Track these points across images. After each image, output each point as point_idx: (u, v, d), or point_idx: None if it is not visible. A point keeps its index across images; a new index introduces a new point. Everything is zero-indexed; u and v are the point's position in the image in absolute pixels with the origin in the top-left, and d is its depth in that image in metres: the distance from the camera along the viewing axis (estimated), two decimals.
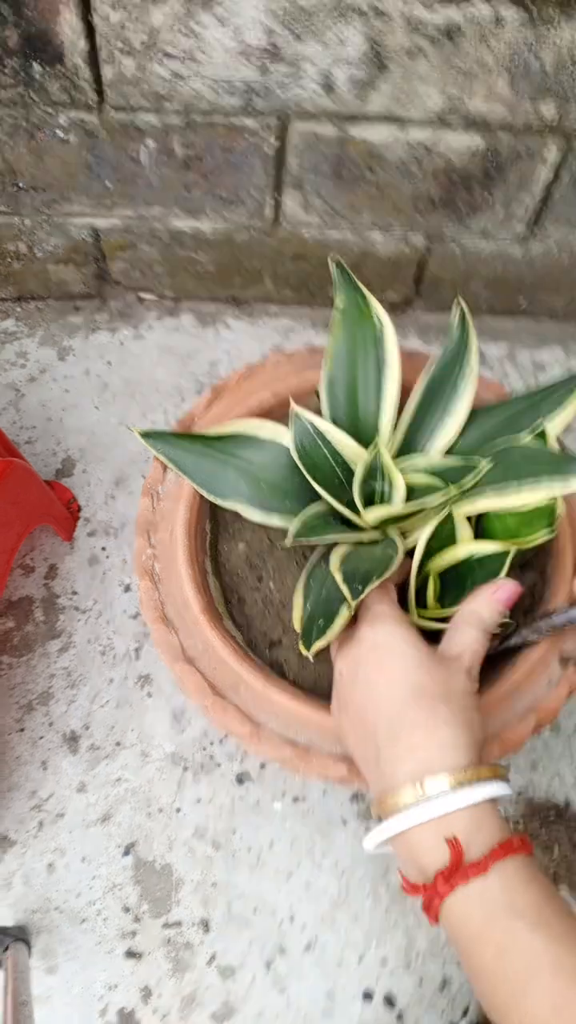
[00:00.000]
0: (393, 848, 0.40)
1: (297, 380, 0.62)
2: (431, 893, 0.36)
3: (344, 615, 0.44)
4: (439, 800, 0.36)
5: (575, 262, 0.89)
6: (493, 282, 0.92)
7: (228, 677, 0.51)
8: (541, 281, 0.92)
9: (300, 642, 0.45)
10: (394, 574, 0.48)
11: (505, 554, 0.47)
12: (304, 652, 0.44)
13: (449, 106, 0.70)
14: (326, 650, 0.55)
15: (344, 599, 0.44)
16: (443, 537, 0.49)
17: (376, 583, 0.44)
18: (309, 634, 0.45)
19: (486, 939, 0.34)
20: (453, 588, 0.49)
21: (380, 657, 0.43)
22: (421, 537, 0.48)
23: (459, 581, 0.49)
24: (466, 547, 0.48)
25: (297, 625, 0.48)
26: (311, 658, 0.50)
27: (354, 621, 0.48)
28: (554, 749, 0.73)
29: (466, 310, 0.55)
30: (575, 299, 0.95)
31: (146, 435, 0.55)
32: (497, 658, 0.55)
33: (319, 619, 0.45)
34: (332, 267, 0.56)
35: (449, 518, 0.48)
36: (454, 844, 0.36)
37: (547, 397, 0.52)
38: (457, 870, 0.35)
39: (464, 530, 0.49)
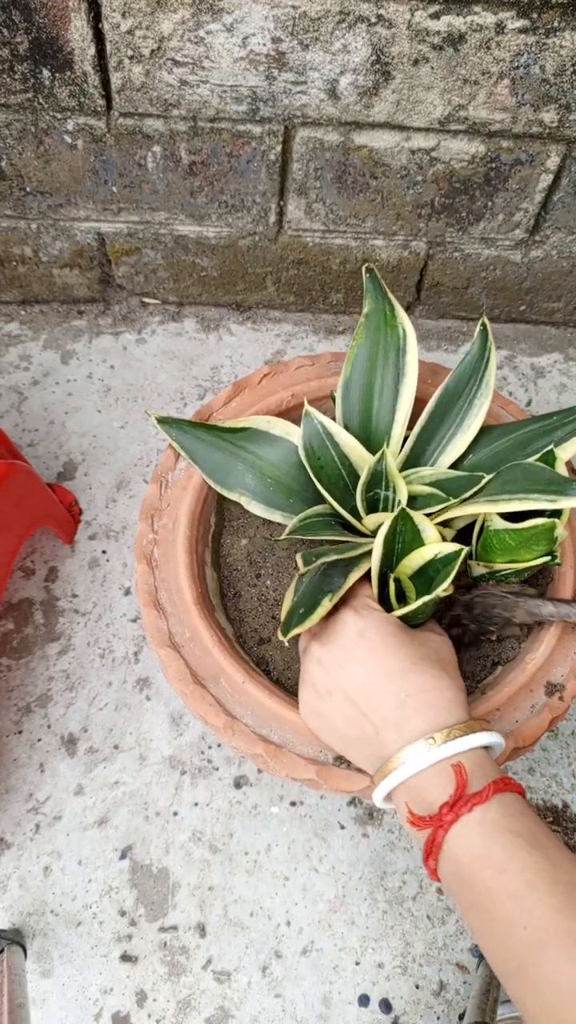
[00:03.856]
0: (394, 800, 0.43)
1: (318, 384, 0.62)
2: (437, 823, 0.39)
3: (326, 605, 0.44)
4: (449, 745, 0.40)
5: (575, 268, 0.90)
6: (493, 288, 0.93)
7: (210, 668, 0.51)
8: (541, 287, 0.92)
9: (279, 630, 0.45)
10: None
11: (458, 553, 0.47)
12: (281, 637, 0.45)
13: (451, 113, 0.71)
14: None
15: (328, 591, 0.45)
16: (407, 537, 0.49)
17: (332, 557, 0.45)
18: (289, 622, 0.45)
19: (486, 860, 0.37)
20: (423, 591, 0.49)
21: (371, 639, 0.45)
22: (379, 535, 0.48)
23: (427, 585, 0.49)
24: (432, 548, 0.48)
25: (283, 616, 0.48)
26: (286, 642, 0.51)
27: (332, 611, 0.48)
28: (552, 753, 0.73)
29: (488, 327, 0.55)
30: (574, 305, 0.96)
31: (162, 420, 0.57)
32: (482, 675, 0.55)
33: (301, 608, 0.46)
34: (364, 274, 0.56)
35: (404, 516, 0.48)
36: (459, 771, 0.39)
37: (563, 422, 0.52)
38: (460, 798, 0.39)
39: (429, 531, 0.49)
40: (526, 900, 0.35)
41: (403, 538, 0.49)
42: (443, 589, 0.46)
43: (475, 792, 0.39)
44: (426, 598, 0.46)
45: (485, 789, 0.39)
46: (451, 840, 0.39)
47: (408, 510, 0.48)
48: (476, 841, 0.38)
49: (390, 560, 0.49)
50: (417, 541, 0.49)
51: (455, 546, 0.47)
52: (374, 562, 0.47)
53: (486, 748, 0.42)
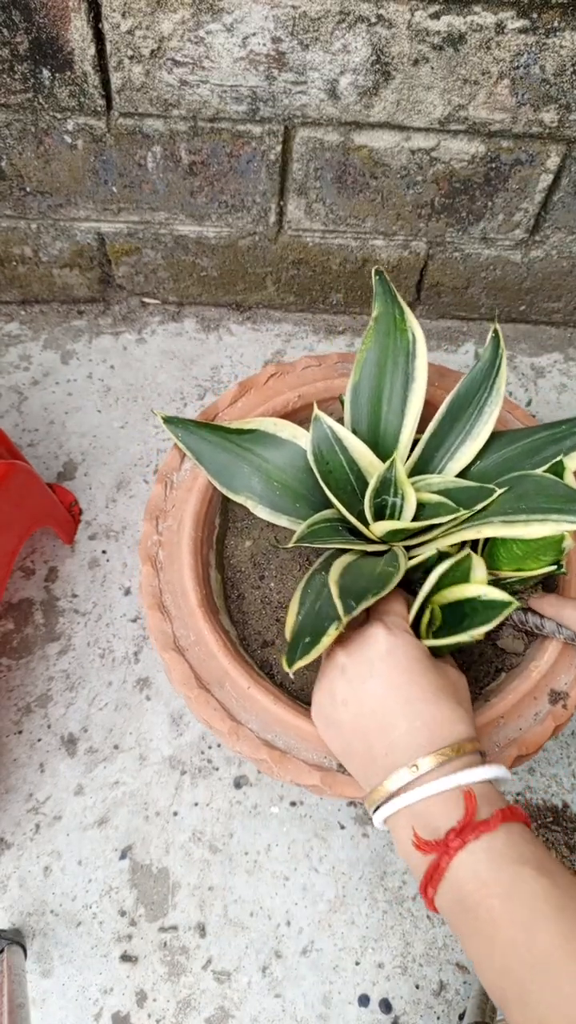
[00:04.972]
0: (395, 824, 0.42)
1: (325, 385, 0.62)
2: (442, 850, 0.39)
3: (331, 634, 0.43)
4: (463, 773, 0.40)
5: (575, 268, 0.90)
6: (493, 288, 0.93)
7: (215, 672, 0.51)
8: (541, 287, 0.92)
9: (284, 657, 0.45)
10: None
11: (507, 604, 0.46)
12: (286, 668, 0.44)
13: (451, 113, 0.71)
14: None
15: (334, 617, 0.44)
16: (457, 573, 0.49)
17: (370, 601, 0.44)
18: (294, 650, 0.45)
19: (493, 887, 0.37)
20: (450, 624, 0.49)
21: (398, 660, 0.45)
22: (434, 573, 0.47)
23: (459, 619, 0.48)
24: (476, 588, 0.48)
25: (288, 634, 0.48)
26: (291, 675, 0.50)
27: (365, 619, 0.48)
28: (552, 753, 0.73)
29: (500, 334, 0.55)
30: (574, 305, 0.96)
31: (168, 420, 0.56)
32: (486, 681, 0.55)
33: (306, 636, 0.45)
34: (373, 277, 0.56)
35: (468, 558, 0.48)
36: (469, 797, 0.39)
37: (572, 431, 0.52)
38: (468, 824, 0.38)
39: (480, 572, 0.48)
40: (532, 925, 0.35)
41: (453, 574, 0.49)
42: (480, 633, 0.46)
43: (483, 820, 0.39)
44: (462, 637, 0.46)
45: (493, 818, 0.39)
46: (456, 867, 0.38)
47: (472, 553, 0.48)
48: (483, 868, 0.37)
49: (431, 591, 0.49)
50: (464, 578, 0.49)
51: (502, 594, 0.46)
52: (423, 593, 0.47)
53: (491, 781, 0.42)
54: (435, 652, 0.49)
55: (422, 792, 0.40)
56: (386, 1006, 0.62)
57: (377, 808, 0.43)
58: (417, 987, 0.63)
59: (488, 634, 0.56)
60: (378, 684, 0.44)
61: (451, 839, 0.38)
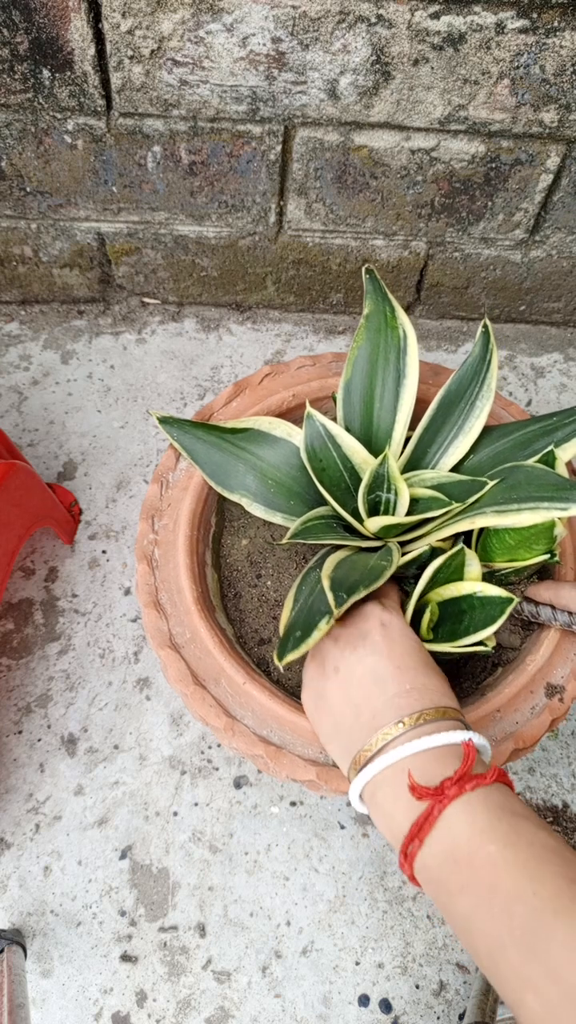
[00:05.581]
0: (375, 785, 0.41)
1: (319, 384, 0.62)
2: (438, 796, 0.38)
3: (322, 629, 0.43)
4: (454, 733, 0.40)
5: (575, 268, 0.90)
6: (493, 288, 0.93)
7: (211, 668, 0.51)
8: (541, 287, 0.92)
9: (275, 652, 0.45)
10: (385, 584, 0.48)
11: (508, 600, 0.47)
12: (276, 662, 0.44)
13: (451, 113, 0.71)
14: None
15: (326, 611, 0.44)
16: (451, 569, 0.49)
17: (362, 593, 0.44)
18: (285, 644, 0.45)
19: (492, 834, 0.36)
20: (449, 621, 0.49)
21: (391, 632, 0.45)
22: (428, 569, 0.48)
23: (457, 616, 0.49)
24: (471, 585, 0.48)
25: (281, 629, 0.48)
26: (281, 668, 0.50)
27: (362, 603, 0.48)
28: (552, 753, 0.73)
29: (490, 329, 0.55)
30: (574, 305, 0.96)
31: (163, 420, 0.57)
32: (483, 676, 0.55)
33: (297, 630, 0.45)
34: (364, 275, 0.56)
35: (461, 552, 0.48)
36: (469, 747, 0.39)
37: (563, 423, 0.52)
38: (467, 773, 0.38)
39: (473, 567, 0.49)
40: (537, 870, 0.34)
41: (447, 570, 0.49)
42: (489, 636, 0.46)
43: (479, 773, 0.38)
44: (473, 642, 0.46)
45: (489, 772, 0.39)
46: (449, 817, 0.37)
47: (465, 548, 0.48)
48: (480, 818, 0.37)
49: (426, 588, 0.49)
50: (458, 574, 0.49)
51: (500, 591, 0.47)
52: (418, 590, 0.48)
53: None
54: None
55: (413, 747, 0.40)
56: (386, 1006, 0.62)
57: (362, 769, 0.42)
58: (417, 987, 0.63)
59: None
60: (369, 651, 0.45)
61: (447, 786, 0.38)
